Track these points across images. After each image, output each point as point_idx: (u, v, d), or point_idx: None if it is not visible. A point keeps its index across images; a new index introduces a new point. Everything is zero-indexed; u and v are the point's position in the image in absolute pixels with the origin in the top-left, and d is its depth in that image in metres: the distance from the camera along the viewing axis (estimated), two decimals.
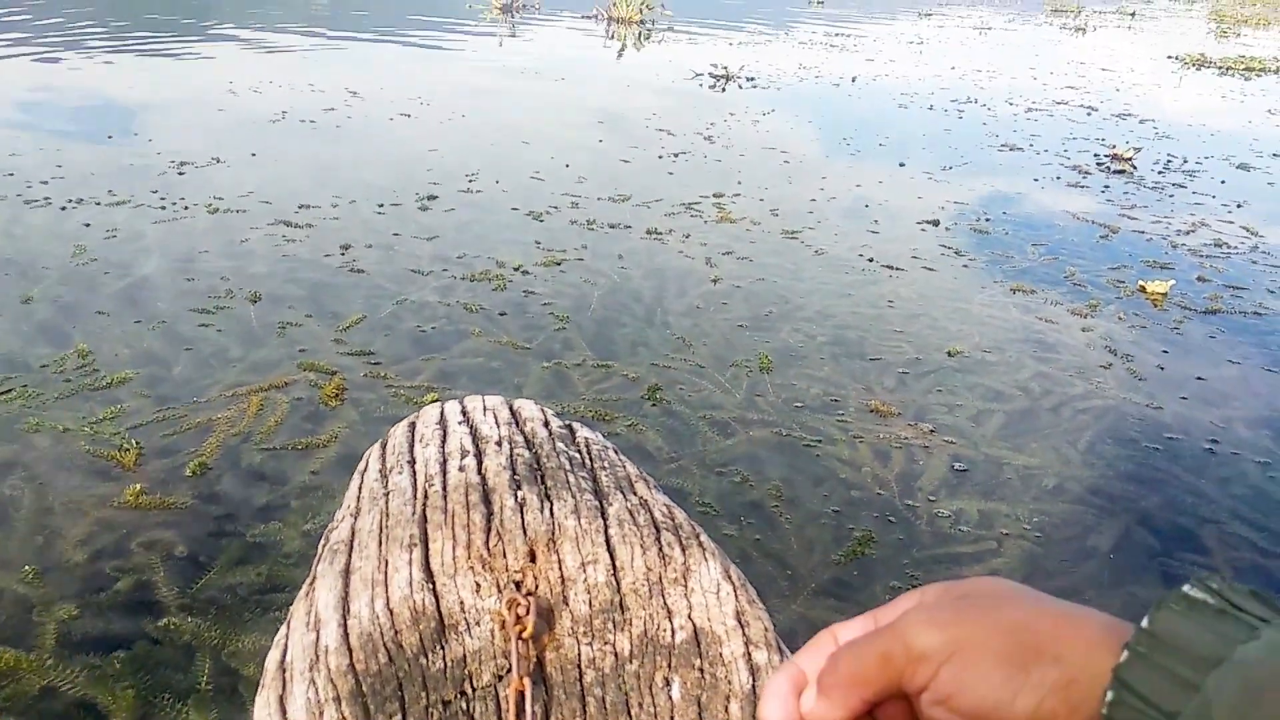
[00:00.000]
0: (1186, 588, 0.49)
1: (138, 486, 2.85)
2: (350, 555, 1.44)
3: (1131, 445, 3.61)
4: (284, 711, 1.26)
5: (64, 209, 5.19)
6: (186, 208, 5.34)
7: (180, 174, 5.97)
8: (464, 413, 1.76)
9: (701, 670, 1.32)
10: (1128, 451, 3.56)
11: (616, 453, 1.76)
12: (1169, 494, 3.32)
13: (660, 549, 1.41)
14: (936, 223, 6.17)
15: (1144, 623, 0.49)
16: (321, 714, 1.22)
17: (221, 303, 4.16)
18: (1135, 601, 2.77)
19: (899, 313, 4.64)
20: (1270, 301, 5.10)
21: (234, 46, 11.42)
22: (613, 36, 15.04)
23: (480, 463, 1.55)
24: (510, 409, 1.79)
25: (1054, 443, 3.57)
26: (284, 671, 1.31)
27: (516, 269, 4.79)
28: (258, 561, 2.63)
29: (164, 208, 5.31)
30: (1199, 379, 4.16)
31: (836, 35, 17.04)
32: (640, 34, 15.40)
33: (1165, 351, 4.42)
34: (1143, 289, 5.11)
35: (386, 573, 1.36)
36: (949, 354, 4.21)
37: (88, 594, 2.46)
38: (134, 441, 3.09)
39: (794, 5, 22.76)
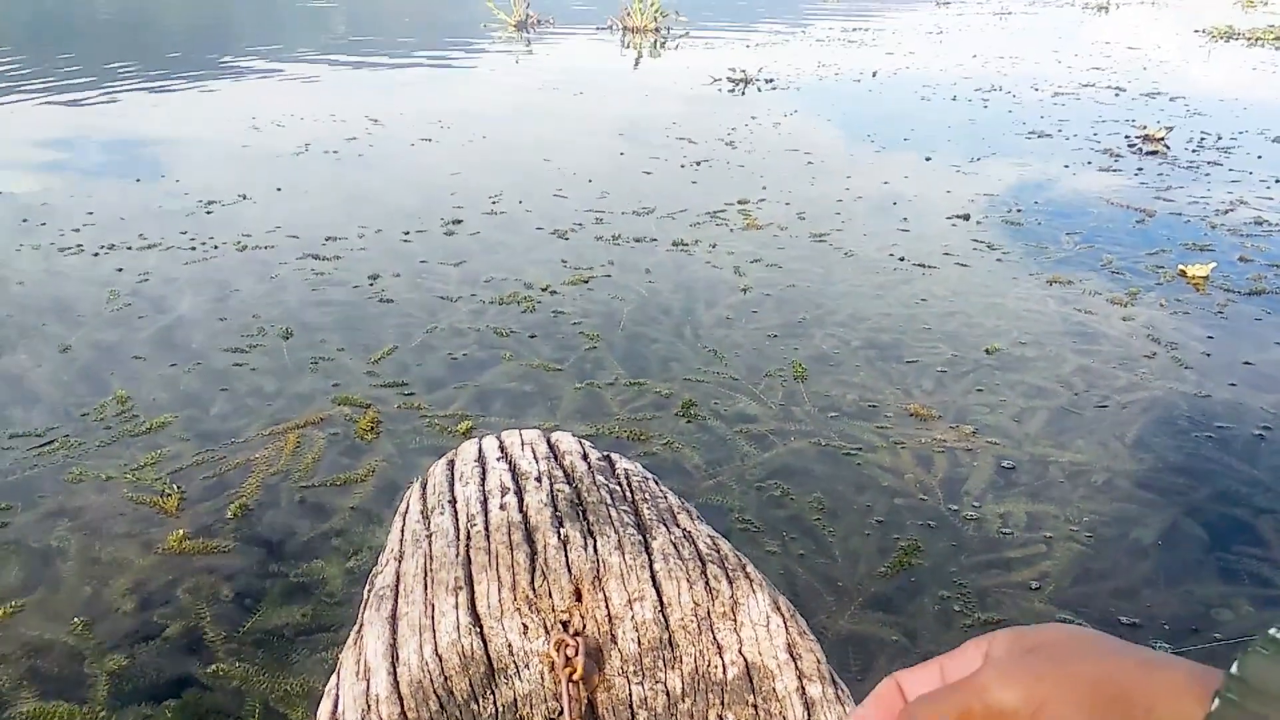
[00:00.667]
0: (1274, 631, 0.48)
1: (181, 532, 2.87)
2: (396, 600, 1.43)
3: (1181, 436, 3.52)
4: None
5: (96, 255, 5.26)
6: (216, 247, 5.40)
7: (208, 213, 6.04)
8: (502, 448, 1.75)
9: (755, 706, 1.29)
10: (1177, 443, 3.48)
11: (657, 483, 1.74)
12: (1222, 485, 3.23)
13: (707, 582, 1.38)
14: (967, 216, 6.09)
15: (1234, 669, 0.48)
16: None
17: (254, 340, 4.19)
18: (1192, 599, 2.69)
19: (933, 312, 4.58)
20: None
21: (254, 80, 11.56)
22: (628, 46, 15.06)
23: (521, 500, 1.54)
24: (548, 442, 1.77)
25: (1100, 438, 3.50)
26: None
27: (544, 289, 4.78)
28: (302, 601, 2.63)
29: (194, 248, 5.37)
30: (1247, 363, 4.06)
31: (854, 30, 16.94)
32: (656, 42, 15.41)
33: (1210, 337, 4.32)
34: (1183, 273, 5.00)
35: (434, 618, 1.35)
36: (987, 352, 4.14)
37: (137, 642, 2.48)
38: (175, 486, 3.11)
39: (808, 3, 22.67)
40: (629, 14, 16.43)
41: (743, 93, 10.59)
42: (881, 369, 3.99)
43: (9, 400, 3.69)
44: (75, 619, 2.54)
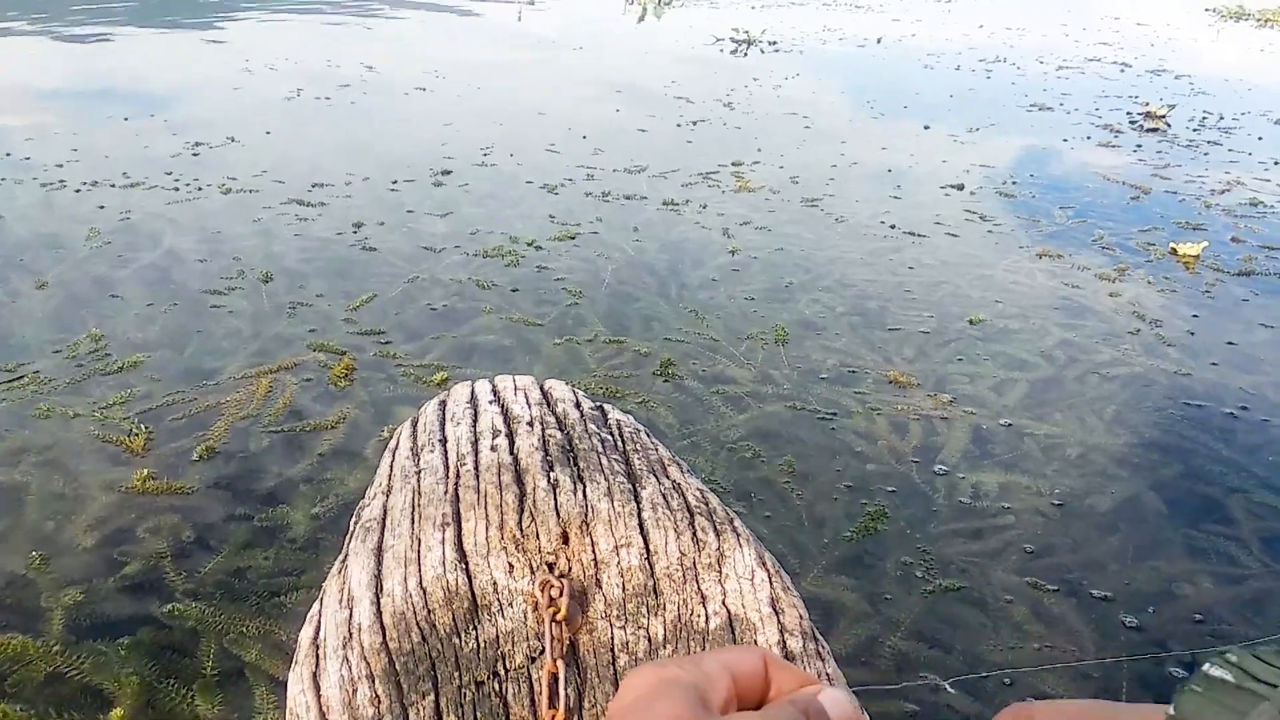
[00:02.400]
0: (1207, 666, 0.47)
1: (146, 471, 2.85)
2: (383, 533, 1.43)
3: (1158, 413, 3.51)
4: (318, 688, 1.25)
5: (79, 191, 5.19)
6: (200, 188, 5.33)
7: (195, 155, 5.96)
8: (495, 392, 1.74)
9: None
10: (1154, 419, 3.47)
11: (649, 435, 1.73)
12: (1195, 463, 3.22)
13: (694, 534, 1.38)
14: (961, 187, 6.03)
15: (1170, 709, 0.46)
16: (355, 691, 1.21)
17: (233, 283, 4.15)
18: (1159, 576, 2.69)
19: (921, 280, 4.54)
20: None
21: (249, 24, 11.39)
22: (632, 3, 14.86)
23: (512, 443, 1.53)
24: (541, 389, 1.76)
25: (1078, 412, 3.48)
26: (317, 648, 1.30)
27: (530, 244, 4.74)
28: (265, 545, 2.62)
29: (178, 189, 5.31)
30: (1230, 344, 4.04)
31: None
32: (660, 1, 15.19)
33: (1195, 316, 4.30)
34: (1174, 251, 4.96)
35: (420, 551, 1.34)
36: (971, 322, 4.12)
37: (95, 579, 2.47)
38: (143, 426, 3.08)
39: None
40: None
41: (745, 54, 10.46)
42: (864, 335, 3.96)
43: None
44: (34, 553, 2.52)
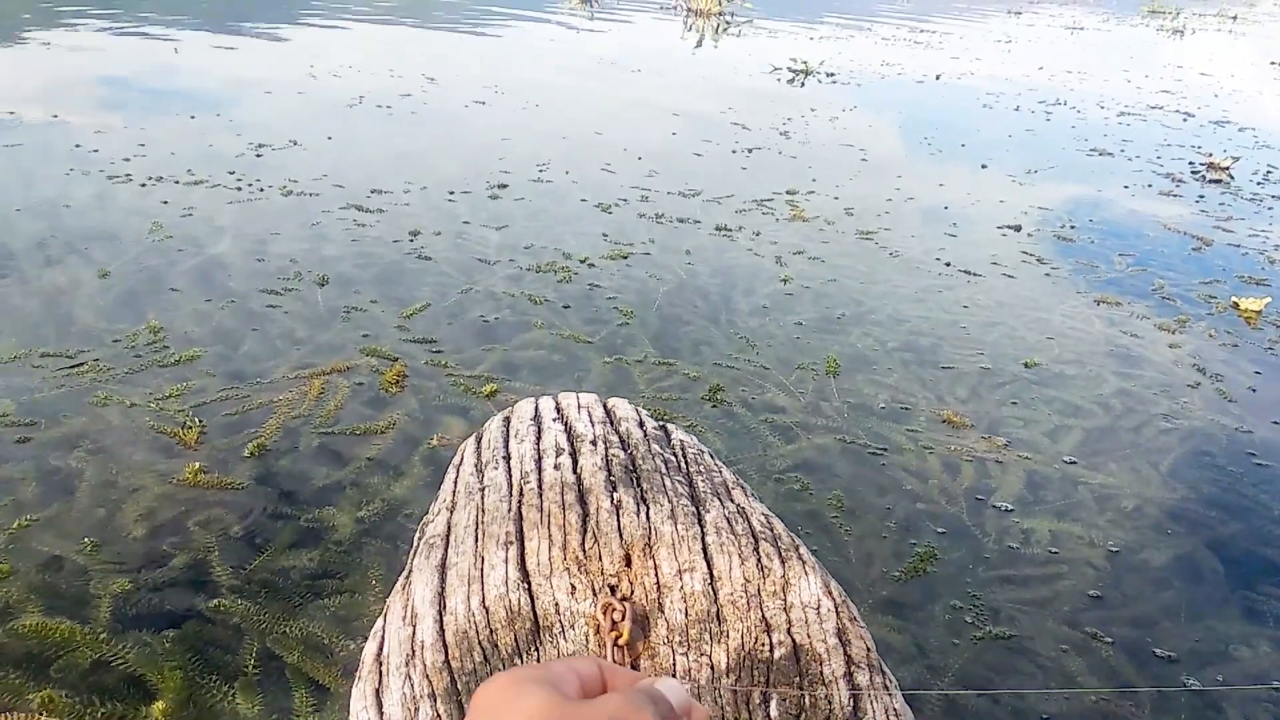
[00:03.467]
0: None
1: (197, 465, 2.87)
2: (446, 550, 1.42)
3: (1217, 470, 3.42)
4: (380, 705, 1.24)
5: (144, 186, 5.29)
6: (262, 189, 5.41)
7: (258, 155, 6.06)
8: (558, 409, 1.73)
9: (801, 689, 1.26)
10: (1212, 476, 3.38)
11: (713, 457, 1.71)
12: (1254, 523, 3.13)
13: (759, 560, 1.35)
14: (1018, 228, 5.97)
15: None
16: (416, 710, 1.20)
17: (290, 284, 4.20)
18: (1213, 636, 2.62)
19: (975, 320, 4.49)
20: None
21: (316, 31, 11.59)
22: (691, 29, 14.94)
23: (575, 461, 1.52)
24: (605, 407, 1.75)
25: (1134, 463, 3.41)
26: (380, 665, 1.29)
27: (583, 261, 4.75)
28: (310, 546, 2.62)
29: (239, 189, 5.39)
30: None
31: (921, 32, 16.69)
32: (719, 26, 15.27)
33: (1258, 373, 4.20)
34: (1236, 305, 4.86)
35: (483, 569, 1.33)
36: (1026, 365, 4.05)
37: (144, 569, 2.48)
38: (197, 420, 3.12)
39: (878, 1, 22.37)
40: None
41: (802, 84, 10.46)
42: (916, 372, 3.92)
43: (44, 319, 3.72)
44: (85, 539, 2.55)
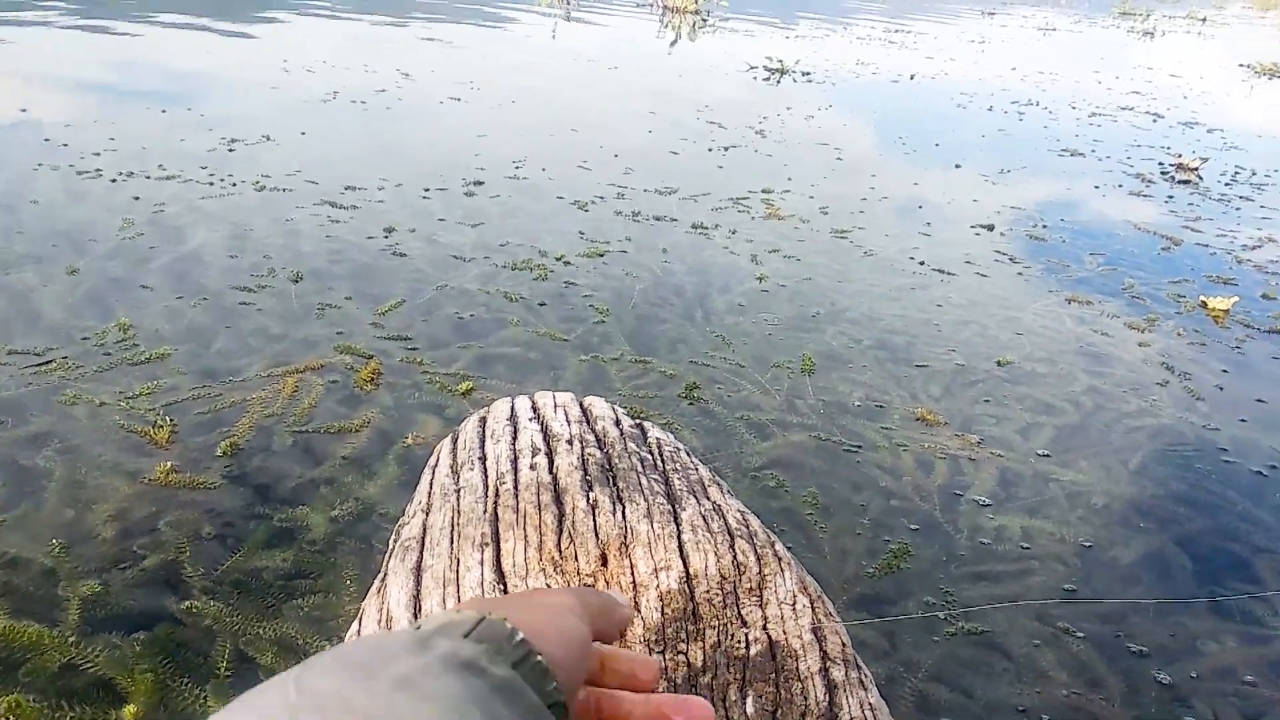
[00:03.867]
0: None
1: (169, 464, 2.84)
2: (422, 552, 1.41)
3: (1185, 467, 3.47)
4: None
5: (114, 181, 5.23)
6: (234, 185, 5.36)
7: (230, 150, 6.00)
8: (534, 409, 1.72)
9: (777, 685, 1.27)
10: (1181, 473, 3.43)
11: (689, 454, 1.72)
12: (1222, 520, 3.18)
13: (735, 557, 1.36)
14: (991, 227, 6.02)
15: None
16: None
17: (263, 281, 4.16)
18: (1184, 632, 2.65)
19: (948, 319, 4.52)
20: None
21: (289, 25, 11.49)
22: (667, 26, 14.94)
23: (552, 461, 1.51)
24: (581, 406, 1.75)
25: (1104, 460, 3.45)
26: None
27: (559, 259, 4.74)
28: (284, 546, 2.61)
29: (212, 184, 5.34)
30: (1260, 401, 4.00)
31: (895, 32, 16.78)
32: (695, 24, 15.29)
33: (1225, 371, 4.26)
34: (1204, 305, 4.93)
35: (459, 572, 1.33)
36: (999, 364, 4.09)
37: (113, 570, 2.46)
38: (168, 418, 3.08)
39: (852, 1, 22.46)
40: None
41: (778, 83, 10.49)
42: (891, 370, 3.94)
43: (11, 317, 3.66)
44: (54, 540, 2.52)
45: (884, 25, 17.63)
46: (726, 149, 7.34)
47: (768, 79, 10.65)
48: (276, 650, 2.25)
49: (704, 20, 15.73)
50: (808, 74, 11.06)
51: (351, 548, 2.61)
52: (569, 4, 16.21)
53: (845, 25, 17.21)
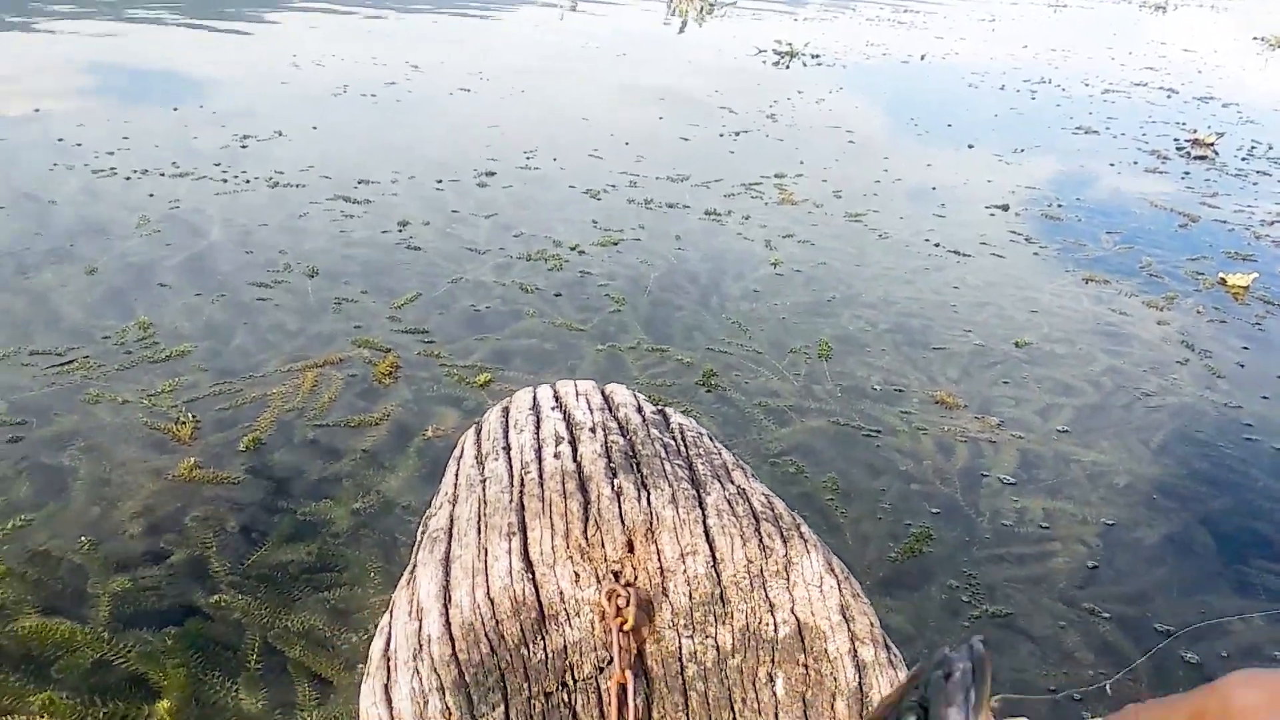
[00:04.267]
0: None
1: (192, 460, 2.86)
2: (450, 543, 1.42)
3: (1207, 445, 3.45)
4: (389, 700, 1.25)
5: (129, 179, 5.25)
6: (248, 181, 5.38)
7: (243, 146, 6.02)
8: (556, 398, 1.73)
9: (806, 666, 1.29)
10: (1203, 451, 3.41)
11: (712, 439, 1.72)
12: (1245, 498, 3.17)
13: (760, 540, 1.37)
14: (1006, 207, 5.98)
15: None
16: (426, 703, 1.21)
17: (280, 277, 4.18)
18: (1205, 609, 2.64)
19: (965, 301, 4.50)
20: None
21: (298, 18, 11.50)
22: (675, 12, 14.87)
23: (575, 450, 1.53)
24: (603, 394, 1.76)
25: (1125, 440, 3.43)
26: (388, 660, 1.30)
27: (573, 249, 4.74)
28: (308, 539, 2.62)
29: (225, 180, 5.36)
30: None
31: (905, 12, 16.66)
32: (702, 9, 15.20)
33: (1246, 348, 4.23)
34: (1223, 281, 4.89)
35: (486, 561, 1.34)
36: (1017, 345, 4.07)
37: (142, 567, 2.48)
38: (190, 415, 3.10)
39: None
40: None
41: (787, 66, 10.44)
42: (908, 354, 3.93)
43: (32, 317, 3.69)
44: (82, 538, 2.54)
45: (893, 5, 17.51)
46: (738, 134, 7.31)
47: (777, 63, 10.60)
48: (304, 643, 2.27)
49: (711, 5, 15.65)
50: (817, 57, 11.00)
51: (374, 540, 2.63)
52: None
53: (854, 6, 17.10)
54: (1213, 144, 7.80)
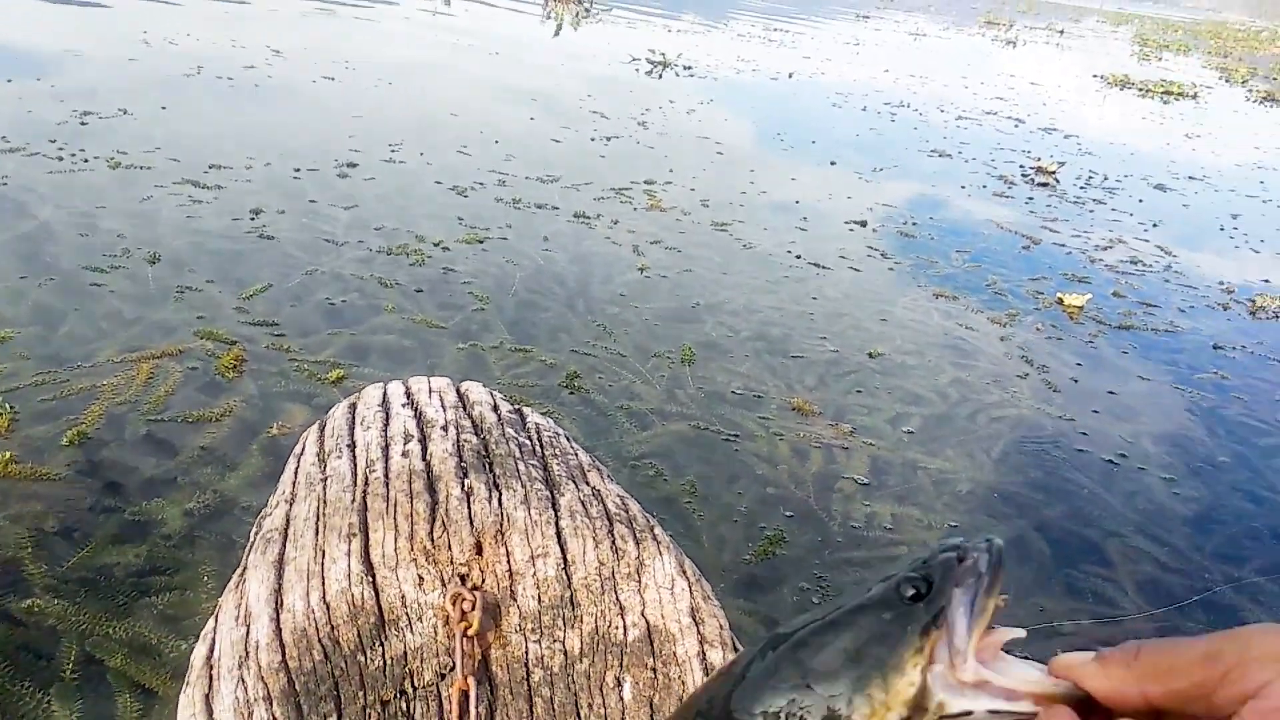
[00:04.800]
0: None
1: (8, 454, 2.64)
2: (285, 545, 1.34)
3: (1043, 455, 3.63)
4: (210, 711, 1.17)
5: None
6: (86, 160, 5.04)
7: (83, 124, 5.64)
8: (408, 394, 1.66)
9: (654, 670, 1.27)
10: (1039, 461, 3.59)
11: (569, 439, 1.69)
12: (1076, 505, 3.35)
13: (613, 542, 1.34)
14: (864, 223, 6.18)
15: None
16: (250, 714, 1.13)
17: (117, 262, 3.93)
18: (1040, 612, 2.77)
19: (823, 311, 4.62)
20: (1181, 320, 5.22)
21: None
22: (550, 15, 14.82)
23: (425, 448, 1.46)
24: (458, 391, 1.70)
25: (969, 449, 3.58)
26: (211, 668, 1.21)
27: (437, 244, 4.63)
28: (136, 541, 2.46)
29: (61, 158, 5.00)
30: (1110, 393, 4.23)
31: (775, 30, 17.08)
32: (578, 14, 15.21)
33: (1079, 364, 4.48)
34: (1060, 301, 5.18)
35: (324, 564, 1.27)
36: (870, 355, 4.20)
37: None
38: (8, 406, 2.87)
39: None
40: None
41: (660, 76, 10.54)
42: (768, 361, 4.00)
43: None
44: None
45: (763, 24, 17.93)
46: (609, 139, 7.32)
47: (650, 72, 10.68)
48: (128, 652, 2.12)
49: (587, 10, 15.67)
50: (690, 68, 11.14)
51: (210, 542, 2.48)
52: None
53: (726, 21, 17.42)
54: (1054, 172, 8.27)
